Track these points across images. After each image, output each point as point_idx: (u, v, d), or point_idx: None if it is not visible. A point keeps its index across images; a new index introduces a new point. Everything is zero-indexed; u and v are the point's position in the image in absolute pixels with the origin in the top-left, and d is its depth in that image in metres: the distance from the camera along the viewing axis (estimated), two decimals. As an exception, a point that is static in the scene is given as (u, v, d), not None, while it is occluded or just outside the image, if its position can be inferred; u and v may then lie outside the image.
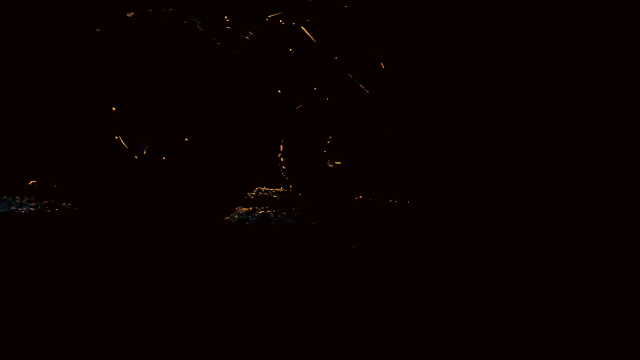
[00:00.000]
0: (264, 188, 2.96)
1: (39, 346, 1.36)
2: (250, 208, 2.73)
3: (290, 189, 2.80)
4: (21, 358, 1.31)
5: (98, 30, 2.30)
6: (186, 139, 2.26)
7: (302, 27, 2.33)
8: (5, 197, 2.68)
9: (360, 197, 2.68)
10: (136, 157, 2.32)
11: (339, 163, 2.46)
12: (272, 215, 2.62)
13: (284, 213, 2.67)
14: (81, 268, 1.92)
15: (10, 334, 1.41)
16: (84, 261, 1.98)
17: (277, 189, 2.91)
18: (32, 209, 2.54)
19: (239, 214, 2.62)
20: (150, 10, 2.24)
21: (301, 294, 1.77)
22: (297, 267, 2.02)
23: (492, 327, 1.58)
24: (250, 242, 2.27)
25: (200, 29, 2.21)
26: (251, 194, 2.73)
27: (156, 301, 1.67)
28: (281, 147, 2.77)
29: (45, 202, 2.65)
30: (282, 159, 2.79)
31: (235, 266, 2.01)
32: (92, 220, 2.36)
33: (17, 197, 2.62)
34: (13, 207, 2.51)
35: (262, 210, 2.71)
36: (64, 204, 2.62)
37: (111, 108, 2.34)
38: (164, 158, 2.30)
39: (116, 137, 2.34)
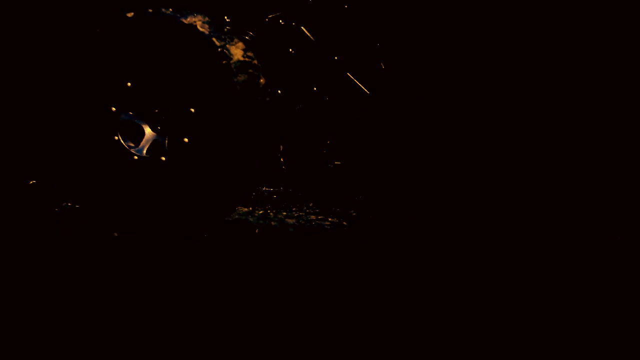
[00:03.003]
0: (264, 188, 2.96)
1: (39, 346, 1.36)
2: (250, 208, 2.73)
3: (290, 189, 2.80)
4: (22, 358, 1.31)
5: (98, 30, 2.30)
6: (186, 139, 2.26)
7: (302, 27, 2.33)
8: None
9: (360, 197, 2.68)
10: (136, 157, 2.32)
11: (339, 163, 2.45)
12: (272, 215, 2.62)
13: (284, 213, 2.67)
14: (80, 269, 1.92)
15: (10, 335, 1.41)
16: (83, 262, 1.98)
17: (277, 189, 2.91)
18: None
19: (239, 214, 2.62)
20: (150, 11, 2.24)
21: (301, 295, 1.77)
22: (297, 267, 2.02)
23: (492, 327, 1.58)
24: (250, 242, 2.28)
25: (201, 29, 2.20)
26: (251, 194, 2.73)
27: (156, 302, 1.67)
28: (281, 147, 2.77)
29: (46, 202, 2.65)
30: (282, 159, 2.79)
31: (235, 266, 2.01)
32: (92, 220, 2.36)
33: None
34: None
35: (262, 210, 2.71)
36: (64, 204, 2.62)
37: (111, 108, 2.34)
38: (163, 158, 2.30)
39: (116, 138, 2.34)
